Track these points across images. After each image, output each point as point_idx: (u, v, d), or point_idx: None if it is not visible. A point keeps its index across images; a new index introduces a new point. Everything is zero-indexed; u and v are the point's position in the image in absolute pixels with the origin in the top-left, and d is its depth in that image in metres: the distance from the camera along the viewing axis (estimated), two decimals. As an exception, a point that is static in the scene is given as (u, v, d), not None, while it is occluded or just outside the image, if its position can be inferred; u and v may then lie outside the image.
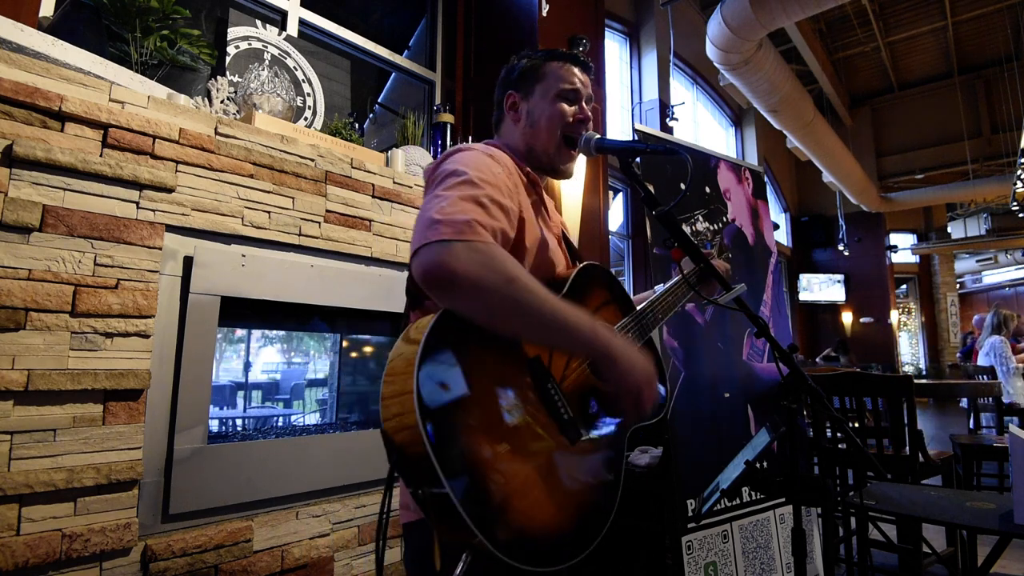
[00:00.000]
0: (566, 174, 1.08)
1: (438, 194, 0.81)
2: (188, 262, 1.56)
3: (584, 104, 1.05)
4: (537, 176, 1.04)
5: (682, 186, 2.17)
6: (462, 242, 0.73)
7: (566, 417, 0.82)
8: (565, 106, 1.03)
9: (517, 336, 0.80)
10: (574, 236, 2.86)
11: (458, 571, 0.67)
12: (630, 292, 1.20)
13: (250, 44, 2.31)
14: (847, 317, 10.93)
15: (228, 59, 2.21)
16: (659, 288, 1.23)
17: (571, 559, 0.73)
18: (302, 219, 1.82)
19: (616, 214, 5.83)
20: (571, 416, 0.83)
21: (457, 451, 0.66)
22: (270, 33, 2.40)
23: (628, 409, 0.85)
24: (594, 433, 0.87)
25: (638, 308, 1.08)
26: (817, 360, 8.60)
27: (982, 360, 4.88)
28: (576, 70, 1.05)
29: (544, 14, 2.88)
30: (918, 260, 11.99)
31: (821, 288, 10.93)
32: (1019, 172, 7.39)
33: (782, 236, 10.76)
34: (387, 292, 2.02)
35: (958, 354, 9.30)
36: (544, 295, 0.76)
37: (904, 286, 12.46)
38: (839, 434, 2.54)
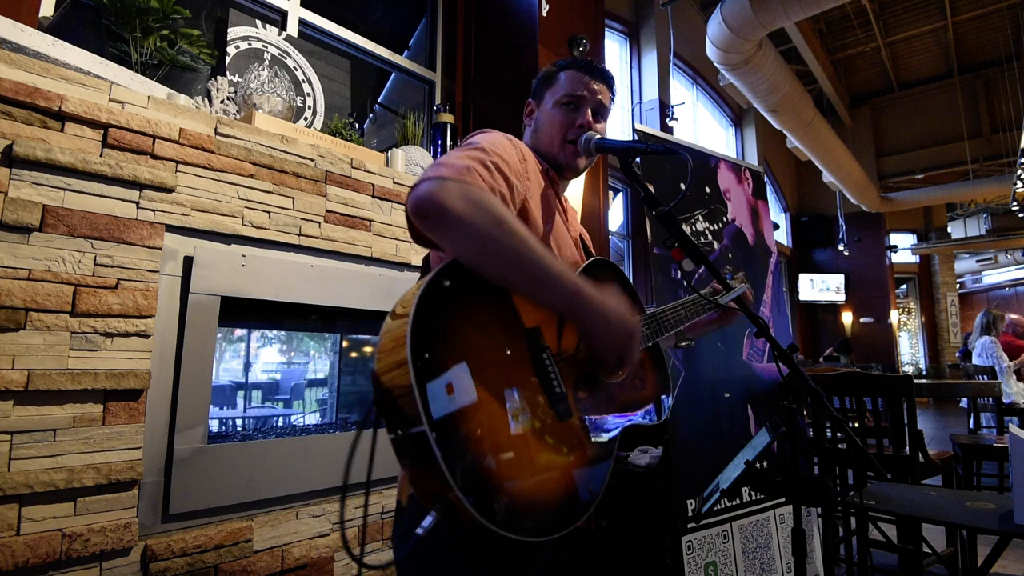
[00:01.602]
0: (577, 170, 1.09)
1: (449, 153, 0.87)
2: (188, 262, 1.56)
3: (590, 110, 1.05)
4: (556, 175, 1.07)
5: (682, 186, 2.17)
6: (456, 181, 0.78)
7: (558, 390, 0.81)
8: (567, 112, 1.05)
9: (498, 279, 0.80)
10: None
11: (425, 522, 0.65)
12: None
13: (250, 44, 2.31)
14: (847, 317, 10.93)
15: (228, 59, 2.21)
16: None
17: (547, 534, 0.71)
18: (302, 219, 1.82)
19: (616, 214, 5.83)
20: (563, 391, 0.82)
21: (441, 395, 0.66)
22: (270, 33, 2.40)
23: (610, 366, 0.86)
24: (586, 415, 0.86)
25: (651, 311, 1.09)
26: (821, 360, 8.59)
27: (976, 361, 4.92)
28: (586, 78, 1.06)
29: (544, 14, 2.88)
30: (918, 260, 12.00)
31: (821, 288, 10.93)
32: (1019, 172, 7.39)
33: (782, 236, 10.77)
34: (387, 292, 2.01)
35: (957, 354, 9.30)
36: (531, 241, 0.77)
37: (904, 286, 12.46)
38: (839, 434, 2.54)
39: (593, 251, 1.16)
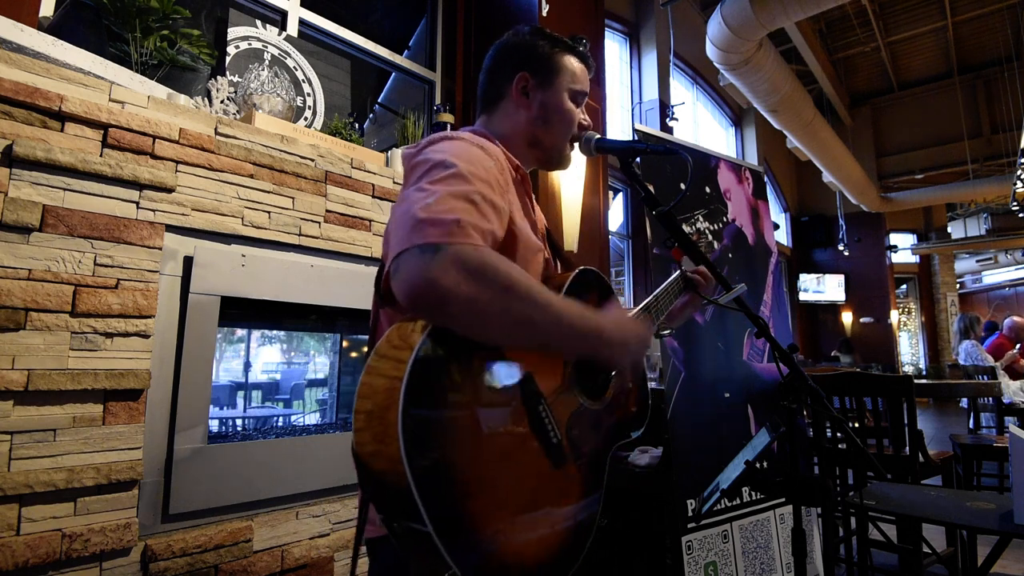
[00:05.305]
0: (567, 165, 1.06)
1: (423, 187, 0.73)
2: (188, 262, 1.56)
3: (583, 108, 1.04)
4: (527, 172, 1.00)
5: (682, 186, 2.17)
6: (450, 247, 0.65)
7: (554, 441, 0.76)
8: (575, 108, 1.01)
9: (506, 344, 0.73)
10: (573, 236, 2.86)
11: None
12: (629, 293, 1.20)
13: (250, 44, 2.31)
14: (847, 317, 10.94)
15: (228, 59, 2.21)
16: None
17: None
18: (302, 219, 1.82)
19: (616, 214, 5.84)
20: (559, 440, 0.77)
21: (443, 488, 0.61)
22: (270, 33, 2.40)
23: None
24: (578, 459, 0.81)
25: (637, 307, 1.07)
26: (823, 364, 8.60)
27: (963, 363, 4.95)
28: (586, 74, 1.03)
29: (544, 14, 2.88)
30: (918, 260, 12.00)
31: (821, 288, 10.93)
32: (1019, 172, 7.38)
33: (782, 236, 10.77)
34: (387, 292, 2.01)
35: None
36: (543, 298, 0.70)
37: (904, 286, 12.46)
38: (839, 434, 2.54)
39: (556, 239, 1.14)
